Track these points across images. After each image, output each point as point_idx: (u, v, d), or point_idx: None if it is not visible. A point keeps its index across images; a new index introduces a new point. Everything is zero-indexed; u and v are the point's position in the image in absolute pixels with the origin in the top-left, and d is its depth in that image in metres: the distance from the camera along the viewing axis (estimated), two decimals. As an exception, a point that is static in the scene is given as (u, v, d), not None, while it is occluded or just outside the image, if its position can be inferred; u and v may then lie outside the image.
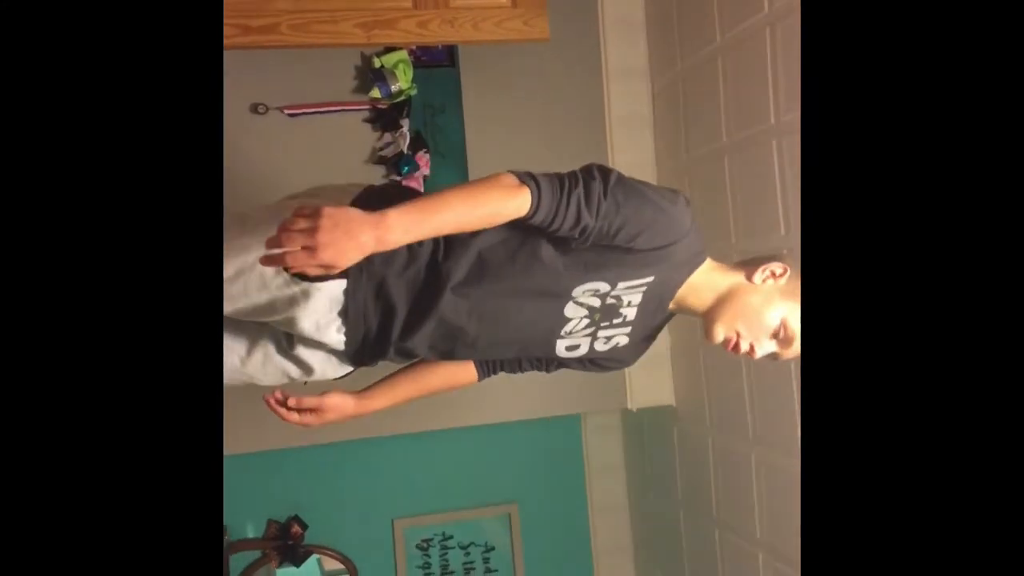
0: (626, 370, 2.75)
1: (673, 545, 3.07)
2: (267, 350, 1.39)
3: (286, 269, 1.15)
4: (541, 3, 2.52)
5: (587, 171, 1.21)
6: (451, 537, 3.24)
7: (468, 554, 3.26)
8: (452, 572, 3.24)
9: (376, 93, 2.67)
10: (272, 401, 1.35)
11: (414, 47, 2.71)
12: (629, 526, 3.48)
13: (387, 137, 2.74)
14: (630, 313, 1.32)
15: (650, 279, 1.27)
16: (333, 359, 1.39)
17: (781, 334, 1.28)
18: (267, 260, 1.10)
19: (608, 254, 1.23)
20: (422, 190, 2.74)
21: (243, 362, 1.40)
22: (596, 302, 1.29)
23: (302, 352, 1.38)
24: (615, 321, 1.32)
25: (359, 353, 1.35)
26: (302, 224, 1.07)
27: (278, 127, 2.67)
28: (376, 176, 2.75)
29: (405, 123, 2.72)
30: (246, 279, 1.25)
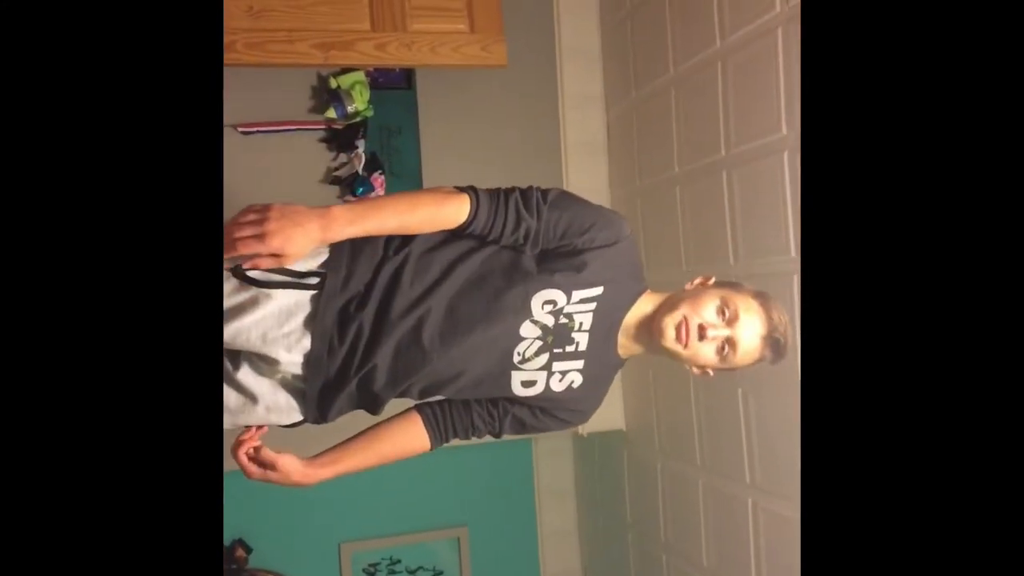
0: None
1: (621, 570, 3.08)
2: None
3: (237, 277, 1.23)
4: (499, 29, 2.55)
5: (526, 187, 1.30)
6: (399, 561, 3.21)
7: (416, 578, 3.22)
8: (399, 597, 3.21)
9: (332, 113, 2.66)
10: (237, 441, 1.30)
11: (371, 69, 2.71)
12: (578, 550, 3.48)
13: (342, 157, 2.73)
14: (582, 340, 1.33)
15: (599, 291, 1.30)
16: (282, 392, 1.32)
17: (726, 312, 1.29)
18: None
19: (558, 261, 1.28)
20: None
21: None
22: (550, 320, 1.29)
23: (246, 378, 1.30)
24: (568, 349, 1.32)
25: (316, 375, 1.28)
26: (251, 216, 1.15)
27: (232, 145, 2.65)
28: (331, 196, 2.73)
29: (361, 144, 2.71)
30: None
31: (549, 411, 1.41)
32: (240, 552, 2.92)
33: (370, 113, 2.70)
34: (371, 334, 1.25)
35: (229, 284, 1.25)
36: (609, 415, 2.99)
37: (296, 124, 2.70)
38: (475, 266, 1.28)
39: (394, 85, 2.80)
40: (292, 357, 1.26)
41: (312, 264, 1.27)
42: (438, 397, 1.39)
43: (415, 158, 2.82)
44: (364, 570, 3.17)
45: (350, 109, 2.65)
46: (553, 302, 1.28)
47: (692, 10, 2.42)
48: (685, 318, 1.29)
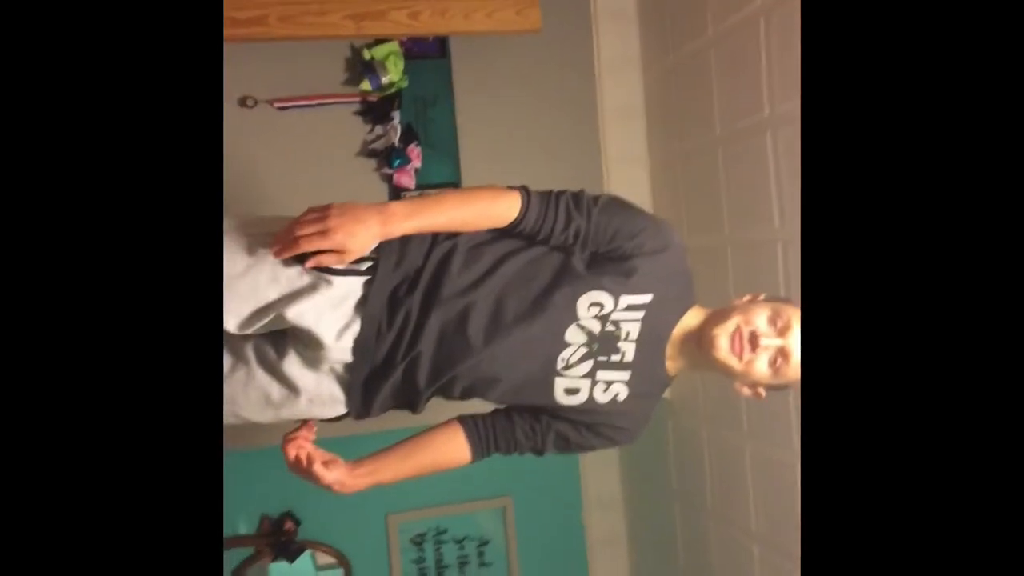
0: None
1: (668, 538, 3.07)
2: (250, 368, 1.32)
3: (300, 261, 1.24)
4: (533, -7, 2.50)
5: (578, 189, 1.31)
6: (445, 531, 3.23)
7: (463, 548, 3.25)
8: (447, 566, 3.23)
9: (366, 85, 2.64)
10: (287, 437, 1.32)
11: (405, 38, 2.68)
12: (624, 519, 3.48)
13: (378, 130, 2.71)
14: (628, 351, 1.30)
15: (648, 299, 1.28)
16: (326, 383, 1.31)
17: (777, 322, 1.27)
18: (280, 250, 1.23)
19: (607, 265, 1.27)
20: (413, 183, 2.72)
21: (224, 379, 1.31)
22: (596, 326, 1.27)
23: (291, 368, 1.30)
24: (613, 358, 1.29)
25: (363, 361, 1.28)
26: (313, 215, 1.21)
27: (267, 120, 2.64)
28: (367, 169, 2.72)
29: (396, 115, 2.69)
30: (256, 273, 1.25)
31: (593, 427, 1.37)
32: (289, 524, 2.96)
33: (404, 84, 2.68)
34: (418, 318, 1.26)
35: (292, 270, 1.25)
36: (652, 383, 2.96)
37: (331, 98, 2.69)
38: (523, 263, 1.28)
39: (428, 54, 2.77)
40: (342, 343, 1.26)
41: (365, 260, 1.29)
42: (478, 405, 1.38)
43: (451, 128, 2.79)
44: (411, 540, 3.21)
45: (384, 80, 2.63)
46: (600, 305, 1.26)
47: (731, -35, 2.34)
48: (739, 327, 1.26)
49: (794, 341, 1.26)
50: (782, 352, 1.26)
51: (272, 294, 1.25)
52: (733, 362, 1.27)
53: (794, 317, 1.27)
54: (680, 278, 1.33)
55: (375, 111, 2.70)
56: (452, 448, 1.41)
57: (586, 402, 1.32)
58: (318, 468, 1.31)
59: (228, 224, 1.27)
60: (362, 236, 1.21)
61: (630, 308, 1.28)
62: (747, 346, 1.26)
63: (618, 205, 1.29)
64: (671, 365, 1.36)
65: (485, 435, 1.40)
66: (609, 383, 1.31)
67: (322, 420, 1.38)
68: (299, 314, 1.24)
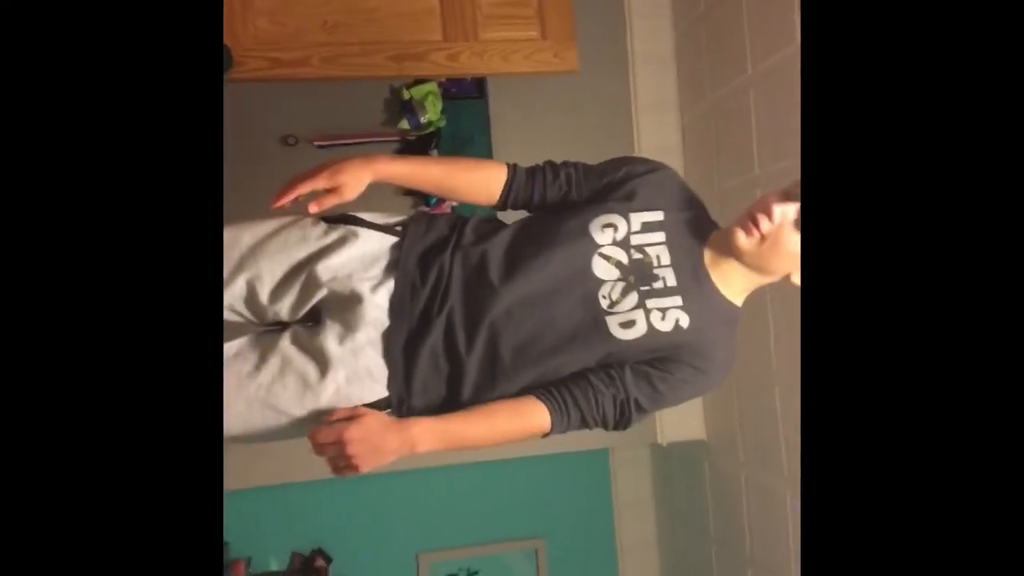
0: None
1: (704, 584, 2.99)
2: (285, 354, 1.28)
3: (326, 221, 1.33)
4: (570, 35, 2.53)
5: None
6: (477, 572, 3.19)
7: (494, 590, 3.20)
8: (477, 608, 3.19)
9: (405, 125, 2.68)
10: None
11: (443, 79, 2.72)
12: (658, 563, 3.40)
13: (416, 168, 2.74)
14: (668, 276, 1.27)
15: (660, 216, 1.30)
16: (364, 355, 1.26)
17: (794, 191, 1.23)
18: (278, 197, 1.26)
19: (607, 194, 1.33)
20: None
21: (257, 370, 1.28)
22: (622, 255, 1.27)
23: (328, 342, 1.26)
24: (656, 286, 1.26)
25: (400, 321, 1.26)
26: (304, 173, 1.25)
27: (308, 159, 2.69)
28: (404, 205, 2.75)
29: (434, 154, 2.73)
30: (286, 234, 1.33)
31: (672, 358, 1.27)
32: (320, 562, 2.94)
33: (443, 123, 2.71)
34: (448, 274, 1.28)
35: (318, 228, 1.33)
36: (689, 424, 2.92)
37: (371, 136, 2.73)
38: (531, 218, 1.37)
39: (466, 95, 2.80)
40: (377, 299, 1.27)
41: (394, 218, 1.37)
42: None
43: (488, 167, 2.81)
44: (442, 581, 3.17)
45: (423, 120, 2.67)
46: (613, 226, 1.28)
47: (768, 7, 2.35)
48: (749, 210, 1.25)
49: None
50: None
51: (302, 252, 1.31)
52: (752, 244, 1.23)
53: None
54: (686, 199, 1.35)
55: (413, 150, 2.73)
56: (528, 410, 1.25)
57: (648, 332, 1.25)
58: (357, 414, 1.19)
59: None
60: (353, 171, 1.27)
61: (646, 228, 1.28)
62: (761, 217, 1.22)
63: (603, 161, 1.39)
64: (730, 292, 1.31)
65: (560, 395, 1.25)
66: (664, 310, 1.26)
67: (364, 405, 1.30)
68: (330, 269, 1.29)
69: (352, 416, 1.18)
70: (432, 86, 2.69)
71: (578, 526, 3.30)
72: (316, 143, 2.69)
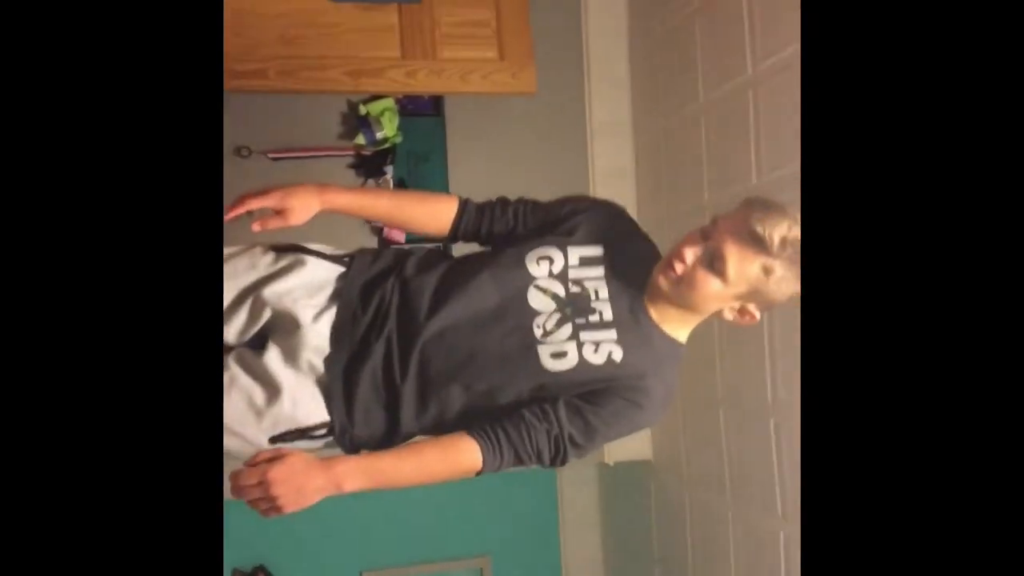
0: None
1: (647, 604, 3.01)
2: (231, 372, 1.30)
3: (275, 250, 1.37)
4: (528, 57, 2.56)
5: None
6: (421, 591, 3.17)
7: (438, 609, 3.18)
8: (421, 627, 3.16)
9: (361, 140, 2.68)
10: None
11: (401, 95, 2.73)
12: (603, 583, 3.42)
13: (371, 183, 2.74)
14: (604, 310, 1.28)
15: (599, 251, 1.32)
16: (306, 381, 1.29)
17: (706, 231, 1.26)
18: (227, 211, 1.26)
19: (547, 229, 1.36)
20: (403, 237, 2.74)
21: None
22: (559, 288, 1.29)
23: (273, 364, 1.28)
24: (591, 319, 1.27)
25: (340, 348, 1.29)
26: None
27: (261, 171, 2.67)
28: (358, 221, 2.74)
29: (389, 170, 2.73)
30: (236, 261, 1.35)
31: (604, 392, 1.26)
32: (262, 579, 2.89)
33: (399, 139, 2.72)
34: (388, 303, 1.31)
35: (267, 256, 1.36)
36: (636, 445, 2.95)
37: (325, 150, 2.72)
38: (471, 252, 1.41)
39: (423, 112, 2.81)
40: (319, 326, 1.30)
41: (342, 251, 1.40)
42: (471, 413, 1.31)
43: (443, 184, 2.82)
44: (386, 599, 3.14)
45: (379, 135, 2.67)
46: (549, 259, 1.30)
47: (722, 37, 2.41)
48: (667, 255, 1.29)
49: (722, 235, 1.23)
50: (714, 252, 1.22)
51: (251, 278, 1.33)
52: (670, 285, 1.26)
53: (723, 216, 1.25)
54: (630, 234, 1.38)
55: (369, 165, 2.73)
56: (459, 448, 1.22)
57: (579, 364, 1.26)
58: (276, 467, 1.12)
59: None
60: (303, 197, 1.30)
61: (585, 263, 1.31)
62: (675, 261, 1.24)
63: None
64: (669, 328, 1.32)
65: (493, 432, 1.23)
66: (597, 343, 1.27)
67: (308, 436, 1.31)
68: (276, 294, 1.31)
69: (275, 457, 1.14)
70: (389, 102, 2.69)
71: (524, 544, 3.30)
72: (270, 155, 2.67)
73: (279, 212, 1.30)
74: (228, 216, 1.28)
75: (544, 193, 2.93)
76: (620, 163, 3.01)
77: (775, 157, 2.18)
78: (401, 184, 2.75)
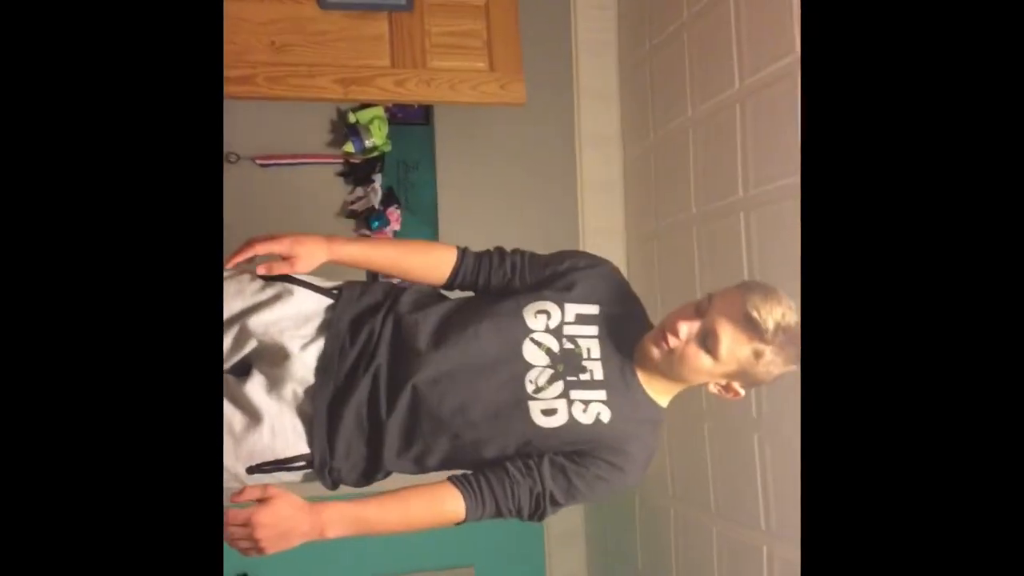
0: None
1: (631, 617, 3.00)
2: None
3: (262, 278, 1.34)
4: (518, 68, 2.56)
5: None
6: (404, 602, 3.15)
7: (420, 620, 3.16)
8: (403, 639, 3.14)
9: (350, 147, 2.68)
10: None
11: (390, 104, 2.73)
12: (587, 596, 3.40)
13: (359, 191, 2.74)
14: (596, 369, 1.29)
15: (595, 310, 1.32)
16: (288, 412, 1.27)
17: (700, 307, 1.27)
18: (232, 256, 1.27)
19: (547, 284, 1.36)
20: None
21: None
22: (553, 343, 1.29)
23: (255, 392, 1.27)
24: (583, 377, 1.29)
25: (326, 381, 1.27)
26: (265, 235, 1.25)
27: (249, 176, 2.66)
28: (347, 229, 2.73)
29: (378, 178, 2.72)
30: (223, 286, 1.32)
31: (589, 453, 1.28)
32: (243, 588, 2.87)
33: (388, 148, 2.71)
34: (378, 337, 1.31)
35: (255, 284, 1.34)
36: (621, 457, 2.94)
37: (314, 157, 2.72)
38: (471, 297, 1.40)
39: (412, 120, 2.82)
40: (306, 357, 1.29)
41: (330, 283, 1.38)
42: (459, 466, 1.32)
43: (431, 193, 2.82)
44: (368, 610, 3.12)
45: (368, 144, 2.67)
46: (547, 312, 1.30)
47: (711, 52, 2.42)
48: (661, 325, 1.29)
49: (717, 315, 1.23)
50: (708, 331, 1.23)
51: (237, 305, 1.31)
52: (661, 357, 1.26)
53: (718, 295, 1.26)
54: (624, 296, 1.37)
55: (357, 173, 2.72)
56: (443, 497, 1.25)
57: (568, 422, 1.26)
58: (264, 511, 1.14)
59: None
60: (311, 247, 1.30)
61: (580, 320, 1.30)
62: (669, 336, 1.25)
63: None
64: (654, 392, 1.33)
65: (476, 483, 1.25)
66: (587, 403, 1.28)
67: (287, 470, 1.30)
68: (263, 324, 1.30)
69: (263, 497, 1.14)
70: (378, 110, 2.69)
71: (508, 557, 3.28)
72: (258, 161, 2.66)
73: (286, 258, 1.31)
74: (234, 261, 1.28)
75: (532, 204, 2.95)
76: (609, 175, 3.02)
77: (763, 170, 2.18)
78: (390, 192, 2.74)
